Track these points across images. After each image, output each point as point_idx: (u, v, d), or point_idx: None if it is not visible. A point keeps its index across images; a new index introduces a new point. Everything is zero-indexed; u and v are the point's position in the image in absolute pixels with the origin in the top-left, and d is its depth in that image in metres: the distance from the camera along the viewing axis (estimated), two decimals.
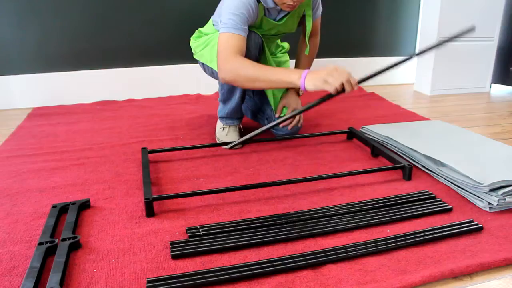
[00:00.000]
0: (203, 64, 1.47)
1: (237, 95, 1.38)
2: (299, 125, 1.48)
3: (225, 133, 1.44)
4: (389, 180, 1.16)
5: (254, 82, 1.17)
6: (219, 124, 1.48)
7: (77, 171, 1.23)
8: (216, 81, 1.75)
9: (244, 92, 1.39)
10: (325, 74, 1.10)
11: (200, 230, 0.89)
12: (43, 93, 2.02)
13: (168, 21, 2.09)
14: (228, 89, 1.37)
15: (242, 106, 1.60)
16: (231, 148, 1.39)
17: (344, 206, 0.99)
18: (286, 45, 1.66)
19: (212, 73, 1.46)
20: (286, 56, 1.63)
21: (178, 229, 0.91)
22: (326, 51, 2.36)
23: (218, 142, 1.42)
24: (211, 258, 0.81)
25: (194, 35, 1.53)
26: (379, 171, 1.17)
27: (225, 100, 1.41)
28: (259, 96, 1.55)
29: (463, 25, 2.18)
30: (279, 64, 1.58)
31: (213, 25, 1.44)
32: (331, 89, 1.11)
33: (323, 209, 0.97)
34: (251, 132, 1.55)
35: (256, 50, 1.32)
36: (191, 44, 1.54)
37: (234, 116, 1.45)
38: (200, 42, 1.47)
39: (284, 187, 1.11)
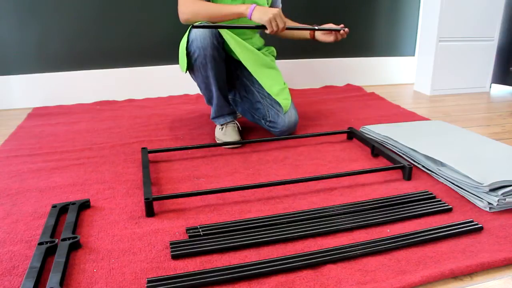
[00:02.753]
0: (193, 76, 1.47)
1: (214, 89, 1.38)
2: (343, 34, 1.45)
3: (223, 132, 1.44)
4: (389, 180, 1.16)
5: (210, 18, 1.32)
6: (217, 125, 1.49)
7: (77, 171, 1.23)
8: None
9: (221, 84, 1.39)
10: (272, 15, 1.28)
11: (200, 230, 0.89)
12: (43, 93, 2.02)
13: (168, 21, 2.09)
14: (205, 86, 1.39)
15: (237, 107, 1.61)
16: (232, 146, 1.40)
17: (344, 206, 0.99)
18: (272, 48, 1.65)
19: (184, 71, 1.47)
20: (272, 57, 1.62)
21: (178, 229, 0.91)
22: (326, 51, 2.37)
23: (218, 142, 1.42)
24: (211, 258, 0.81)
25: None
26: (379, 171, 1.17)
27: (209, 99, 1.44)
28: (252, 94, 1.54)
29: (463, 25, 2.18)
30: (265, 60, 1.53)
31: None
32: (270, 29, 1.29)
33: (323, 209, 0.97)
34: (250, 130, 1.55)
35: (212, 39, 1.30)
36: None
37: (224, 112, 1.45)
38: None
39: (284, 187, 1.11)
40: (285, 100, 1.47)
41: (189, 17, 1.33)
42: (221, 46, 1.35)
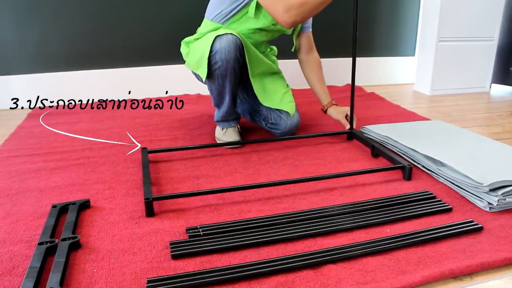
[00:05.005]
0: (196, 75, 1.47)
1: (227, 98, 1.37)
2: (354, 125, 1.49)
3: (223, 132, 1.44)
4: (389, 180, 1.16)
5: (321, 5, 1.21)
6: (218, 126, 1.49)
7: (77, 171, 1.23)
8: None
9: (234, 93, 1.38)
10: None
11: (200, 230, 0.89)
12: (43, 93, 2.02)
13: (168, 21, 2.09)
14: (218, 93, 1.37)
15: (237, 107, 1.60)
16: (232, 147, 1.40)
17: (344, 206, 0.99)
18: (274, 48, 1.65)
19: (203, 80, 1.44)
20: (274, 57, 1.63)
21: (178, 229, 0.91)
22: (326, 52, 2.36)
23: (218, 142, 1.42)
24: (211, 258, 0.81)
25: (184, 40, 1.53)
26: (379, 171, 1.17)
27: (218, 105, 1.42)
28: (253, 98, 1.55)
29: (463, 25, 2.18)
30: (270, 67, 1.53)
31: (210, 21, 1.43)
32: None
33: (323, 209, 0.97)
34: (250, 130, 1.54)
35: (236, 52, 1.28)
36: (181, 50, 1.53)
37: (230, 118, 1.44)
38: (188, 49, 1.46)
39: (284, 187, 1.11)
40: (289, 104, 1.47)
41: (296, 19, 1.23)
42: (242, 58, 1.33)
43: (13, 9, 1.88)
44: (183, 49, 1.51)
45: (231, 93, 1.36)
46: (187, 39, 1.51)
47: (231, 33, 1.27)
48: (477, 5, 2.16)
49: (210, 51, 1.27)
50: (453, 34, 2.18)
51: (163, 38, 2.11)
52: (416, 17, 2.47)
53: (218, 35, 1.27)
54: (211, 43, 1.26)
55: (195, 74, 1.50)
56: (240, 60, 1.32)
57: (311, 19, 1.53)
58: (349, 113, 1.49)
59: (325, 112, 1.56)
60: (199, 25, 1.57)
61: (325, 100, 1.55)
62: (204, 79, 1.33)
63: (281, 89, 1.50)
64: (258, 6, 1.34)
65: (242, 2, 1.34)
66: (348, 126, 1.48)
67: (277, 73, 1.54)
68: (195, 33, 1.54)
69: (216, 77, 1.32)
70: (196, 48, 1.36)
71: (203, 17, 1.62)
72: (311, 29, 1.54)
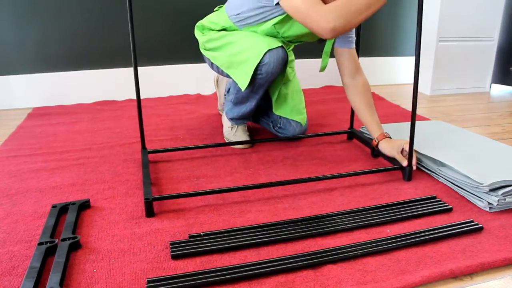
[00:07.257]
0: (211, 63, 1.41)
1: (254, 102, 1.35)
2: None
3: (233, 132, 1.43)
4: (389, 180, 1.16)
5: (364, 11, 1.04)
6: (227, 123, 1.46)
7: (77, 171, 1.23)
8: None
9: (262, 96, 1.36)
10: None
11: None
12: (43, 93, 2.02)
13: (168, 21, 2.09)
14: (247, 96, 1.33)
15: None
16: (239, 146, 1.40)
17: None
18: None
19: (222, 73, 1.40)
20: (292, 55, 1.60)
21: (178, 229, 0.91)
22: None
23: (226, 141, 1.41)
24: (211, 258, 0.81)
25: (198, 24, 1.44)
26: (379, 172, 1.17)
27: (239, 103, 1.37)
28: (265, 101, 1.52)
29: (463, 25, 2.18)
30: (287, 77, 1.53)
31: (228, 18, 1.32)
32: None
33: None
34: (258, 131, 1.51)
35: (282, 68, 1.25)
36: (196, 34, 1.44)
37: (246, 117, 1.43)
38: (213, 37, 1.34)
39: (284, 187, 1.11)
40: (302, 114, 1.46)
41: (339, 26, 1.05)
42: None
43: (13, 9, 1.88)
44: (198, 34, 1.43)
45: (260, 97, 1.34)
46: (204, 23, 1.41)
47: (281, 47, 1.22)
48: (477, 5, 2.16)
49: (259, 62, 1.20)
50: (453, 34, 2.18)
51: (163, 38, 2.11)
52: (416, 17, 2.47)
53: (270, 49, 1.20)
54: (262, 55, 1.19)
55: (212, 65, 1.42)
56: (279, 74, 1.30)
57: (353, 34, 1.32)
58: (405, 147, 1.19)
59: (377, 146, 1.28)
60: (199, 26, 1.52)
61: (376, 131, 1.28)
62: (243, 88, 1.24)
63: (295, 95, 1.48)
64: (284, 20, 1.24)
65: (266, 17, 1.24)
66: (405, 163, 1.17)
67: (291, 81, 1.52)
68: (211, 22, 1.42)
69: (254, 85, 1.27)
70: (236, 49, 1.26)
71: (205, 16, 1.62)
72: (354, 45, 1.32)
